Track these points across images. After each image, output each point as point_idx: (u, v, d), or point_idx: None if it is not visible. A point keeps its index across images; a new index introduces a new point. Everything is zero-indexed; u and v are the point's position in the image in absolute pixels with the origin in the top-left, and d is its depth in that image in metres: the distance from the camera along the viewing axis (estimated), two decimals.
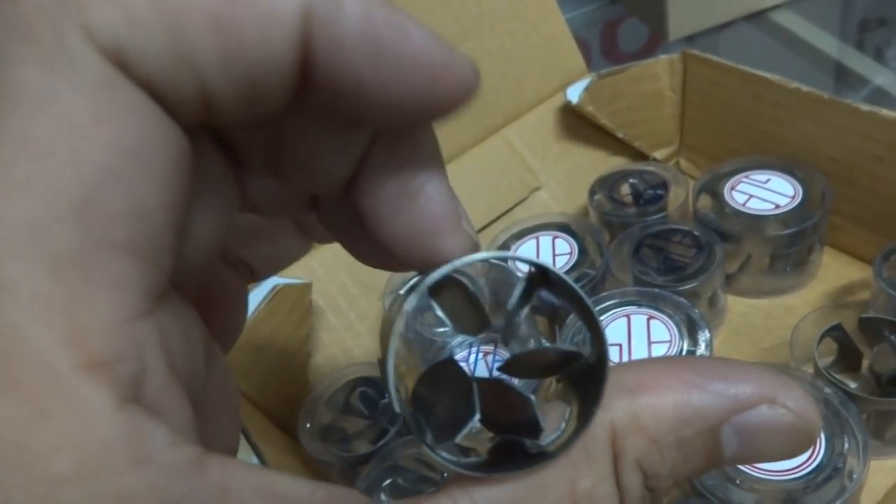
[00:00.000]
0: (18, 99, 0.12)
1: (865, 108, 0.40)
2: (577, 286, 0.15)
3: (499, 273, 0.17)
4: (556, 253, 0.43)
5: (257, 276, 0.23)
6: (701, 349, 0.35)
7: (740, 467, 0.30)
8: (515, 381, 0.16)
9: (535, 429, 0.14)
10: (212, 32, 0.13)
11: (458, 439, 0.15)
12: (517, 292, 0.16)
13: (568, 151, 0.53)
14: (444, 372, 0.15)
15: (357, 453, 0.36)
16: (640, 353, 0.35)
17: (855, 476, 0.29)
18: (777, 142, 0.45)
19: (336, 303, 0.45)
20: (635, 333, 0.36)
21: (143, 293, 0.13)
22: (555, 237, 0.44)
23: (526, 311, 0.16)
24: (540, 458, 0.14)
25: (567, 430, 0.14)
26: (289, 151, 0.17)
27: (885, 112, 0.39)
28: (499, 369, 0.15)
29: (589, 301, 0.15)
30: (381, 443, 0.36)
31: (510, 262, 0.17)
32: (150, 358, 0.13)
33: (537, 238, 0.44)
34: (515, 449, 0.15)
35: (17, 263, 0.11)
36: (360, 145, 0.16)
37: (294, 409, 0.39)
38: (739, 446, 0.14)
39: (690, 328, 0.36)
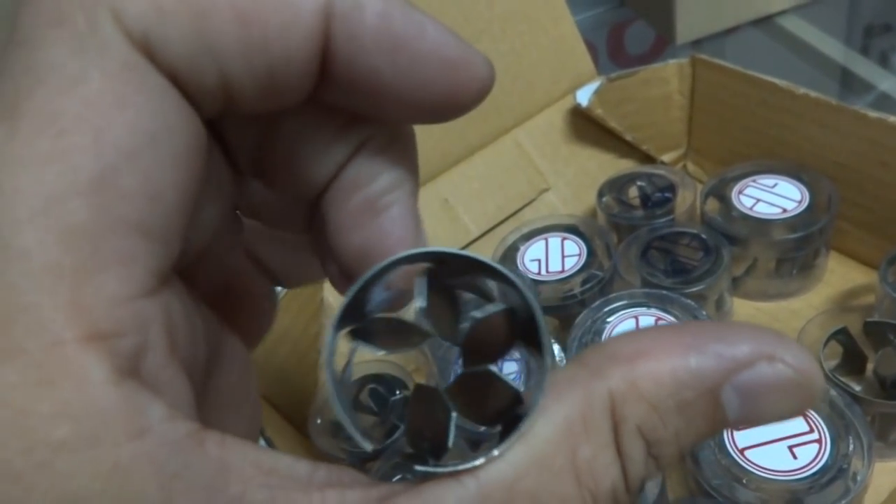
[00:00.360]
0: (46, 77, 0.13)
1: (873, 114, 0.40)
2: (475, 256, 0.14)
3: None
4: (566, 254, 0.43)
5: (283, 284, 0.23)
6: None
7: (747, 468, 0.30)
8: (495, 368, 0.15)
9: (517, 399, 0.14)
10: (235, 24, 0.13)
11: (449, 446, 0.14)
12: (420, 289, 0.15)
13: (576, 154, 0.53)
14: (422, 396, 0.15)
15: (366, 449, 0.36)
16: None
17: (859, 478, 0.29)
18: (784, 146, 0.46)
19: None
20: None
21: (150, 272, 0.13)
22: (564, 238, 0.45)
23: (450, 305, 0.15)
24: (520, 420, 0.14)
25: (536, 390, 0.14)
26: (276, 151, 0.17)
27: (892, 119, 0.39)
28: (463, 363, 0.15)
29: (492, 262, 0.14)
30: (390, 439, 0.36)
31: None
32: (151, 335, 0.13)
33: (546, 239, 0.45)
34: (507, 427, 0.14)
35: (32, 232, 0.12)
36: (345, 152, 0.16)
37: (305, 406, 0.39)
38: (741, 407, 0.14)
39: None
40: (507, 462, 0.13)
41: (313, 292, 0.41)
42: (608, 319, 0.38)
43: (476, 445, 0.32)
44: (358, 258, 0.16)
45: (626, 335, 0.15)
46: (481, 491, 0.13)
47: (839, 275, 0.44)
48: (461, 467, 0.13)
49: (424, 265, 0.15)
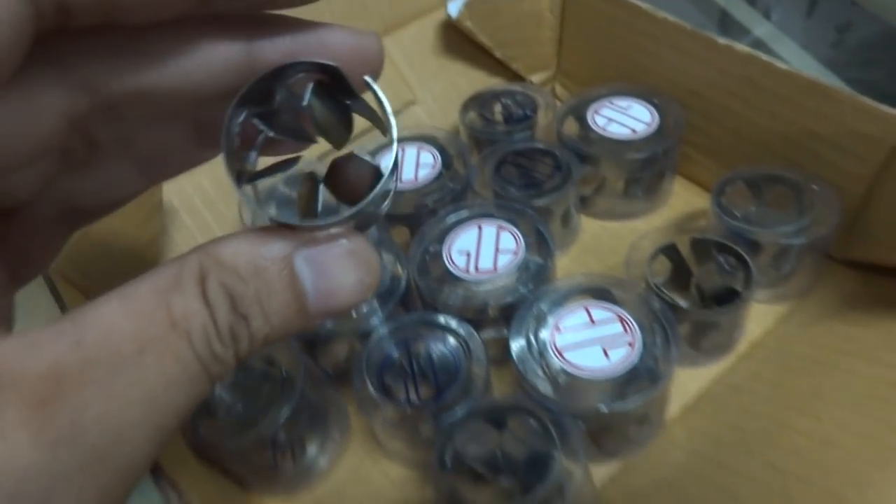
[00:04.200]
0: None
1: (722, 41, 0.41)
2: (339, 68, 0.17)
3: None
4: (420, 163, 0.43)
5: (83, 223, 0.22)
6: (548, 263, 0.36)
7: (564, 367, 0.31)
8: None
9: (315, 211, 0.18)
10: None
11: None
12: (308, 92, 0.18)
13: (446, 68, 0.52)
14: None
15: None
16: (486, 260, 0.36)
17: (663, 376, 0.31)
18: (644, 72, 0.47)
19: (192, 203, 0.43)
20: (484, 242, 0.37)
21: None
22: (420, 148, 0.44)
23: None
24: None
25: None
26: None
27: (739, 47, 0.40)
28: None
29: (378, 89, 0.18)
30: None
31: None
32: None
33: (403, 148, 0.44)
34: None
35: None
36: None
37: None
38: (315, 276, 0.17)
39: (539, 241, 0.37)
40: (102, 309, 0.15)
41: (151, 191, 0.39)
42: (453, 229, 0.38)
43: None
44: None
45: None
46: (80, 327, 0.15)
47: (682, 198, 0.46)
48: (318, 223, 0.17)
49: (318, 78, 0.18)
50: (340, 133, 0.19)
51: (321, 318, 0.18)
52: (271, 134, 0.19)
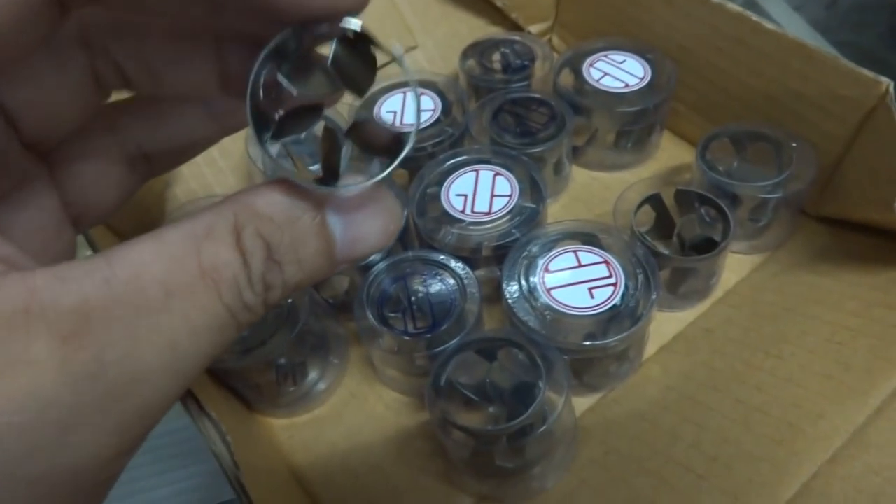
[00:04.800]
0: None
1: (715, 0, 0.42)
2: (370, 34, 0.18)
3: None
4: (421, 109, 0.44)
5: (157, 170, 0.23)
6: (540, 208, 0.38)
7: (551, 304, 0.34)
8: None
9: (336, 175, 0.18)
10: None
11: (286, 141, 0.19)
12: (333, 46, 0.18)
13: (448, 15, 0.53)
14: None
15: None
16: (482, 204, 0.38)
17: (643, 315, 0.33)
18: (639, 26, 0.48)
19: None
20: (481, 186, 0.39)
21: None
22: (421, 94, 0.45)
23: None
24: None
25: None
26: None
27: (730, 6, 0.42)
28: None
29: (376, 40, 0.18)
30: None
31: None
32: None
33: (404, 93, 0.45)
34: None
35: None
36: None
37: None
38: (344, 225, 0.18)
39: (532, 188, 0.39)
40: (134, 250, 0.15)
41: None
42: (452, 172, 0.40)
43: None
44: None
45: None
46: (112, 266, 0.15)
47: (669, 152, 0.48)
48: (340, 187, 0.17)
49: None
50: (364, 83, 0.19)
51: (346, 264, 0.19)
52: (295, 89, 0.19)
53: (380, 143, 0.19)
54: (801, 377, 0.33)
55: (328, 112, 0.22)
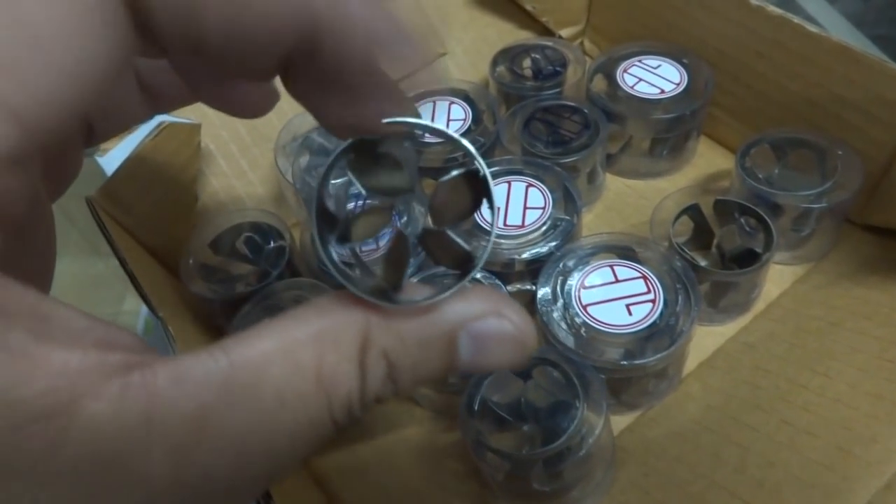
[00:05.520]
0: None
1: (755, 2, 0.41)
2: (443, 128, 0.18)
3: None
4: (451, 118, 0.44)
5: (94, 139, 0.23)
6: (574, 221, 0.37)
7: (588, 322, 0.33)
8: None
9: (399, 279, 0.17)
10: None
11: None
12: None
13: (476, 20, 0.52)
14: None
15: (238, 291, 0.37)
16: (515, 216, 0.37)
17: (683, 333, 0.32)
18: (674, 30, 0.47)
19: (228, 149, 0.44)
20: (513, 199, 0.38)
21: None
22: (451, 103, 0.45)
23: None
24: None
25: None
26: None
27: (770, 8, 0.41)
28: (431, 221, 0.18)
29: (450, 132, 0.18)
30: (261, 284, 0.37)
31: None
32: None
33: (434, 102, 0.45)
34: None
35: None
36: None
37: (178, 248, 0.39)
38: (473, 351, 0.17)
39: (566, 199, 0.38)
40: (257, 349, 0.15)
41: (190, 135, 0.40)
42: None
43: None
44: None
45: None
46: (232, 368, 0.14)
47: (707, 159, 0.47)
48: (414, 299, 0.17)
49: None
50: (459, 214, 0.18)
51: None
52: (364, 189, 0.18)
53: (450, 256, 0.18)
54: (850, 397, 0.32)
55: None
